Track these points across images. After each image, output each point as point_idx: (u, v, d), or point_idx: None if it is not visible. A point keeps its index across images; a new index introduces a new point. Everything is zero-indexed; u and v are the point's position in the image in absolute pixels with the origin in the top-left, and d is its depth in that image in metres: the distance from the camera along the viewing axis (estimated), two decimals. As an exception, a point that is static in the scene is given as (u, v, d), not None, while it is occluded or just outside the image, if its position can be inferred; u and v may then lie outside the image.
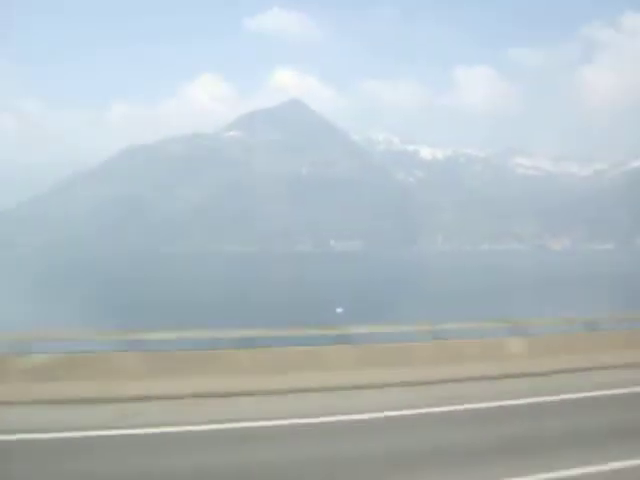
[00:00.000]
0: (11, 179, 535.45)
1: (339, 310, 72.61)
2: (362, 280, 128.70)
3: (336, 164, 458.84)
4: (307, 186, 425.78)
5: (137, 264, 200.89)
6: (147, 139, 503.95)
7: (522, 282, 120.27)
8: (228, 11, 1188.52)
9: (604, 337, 15.53)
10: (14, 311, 61.04)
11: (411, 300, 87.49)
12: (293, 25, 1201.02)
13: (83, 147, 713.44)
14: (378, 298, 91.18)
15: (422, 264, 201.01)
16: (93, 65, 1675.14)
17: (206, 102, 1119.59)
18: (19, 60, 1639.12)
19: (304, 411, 10.89)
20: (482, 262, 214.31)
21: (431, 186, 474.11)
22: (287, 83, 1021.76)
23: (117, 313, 62.43)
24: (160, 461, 8.75)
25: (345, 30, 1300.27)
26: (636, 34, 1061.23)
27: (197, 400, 11.50)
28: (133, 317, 55.24)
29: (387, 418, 10.67)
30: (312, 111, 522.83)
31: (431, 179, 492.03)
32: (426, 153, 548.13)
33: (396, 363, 13.42)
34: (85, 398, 11.24)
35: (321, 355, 13.46)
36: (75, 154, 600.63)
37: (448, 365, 13.57)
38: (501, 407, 11.44)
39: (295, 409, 11.04)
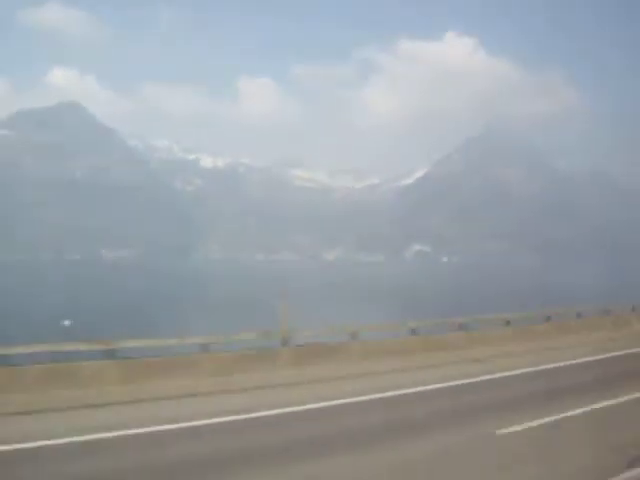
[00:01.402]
0: None
1: (66, 323, 69.98)
2: (118, 291, 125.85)
3: (112, 170, 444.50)
4: (80, 192, 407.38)
5: None
6: None
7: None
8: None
9: None
10: None
11: (167, 310, 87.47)
12: (73, 23, 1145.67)
13: None
14: (126, 310, 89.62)
15: (189, 274, 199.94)
16: None
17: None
18: None
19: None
20: (244, 271, 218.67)
21: (210, 195, 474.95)
22: (65, 83, 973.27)
23: None
24: None
25: (129, 32, 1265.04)
26: (410, 59, 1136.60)
27: None
28: None
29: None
30: (90, 114, 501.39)
31: (210, 188, 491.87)
32: (207, 162, 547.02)
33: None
34: None
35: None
36: None
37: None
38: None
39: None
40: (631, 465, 5.84)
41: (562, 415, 12.53)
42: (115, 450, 10.31)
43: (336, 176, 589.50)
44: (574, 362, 18.61)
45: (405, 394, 14.47)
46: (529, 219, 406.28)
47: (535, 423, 11.95)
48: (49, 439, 10.33)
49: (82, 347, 14.16)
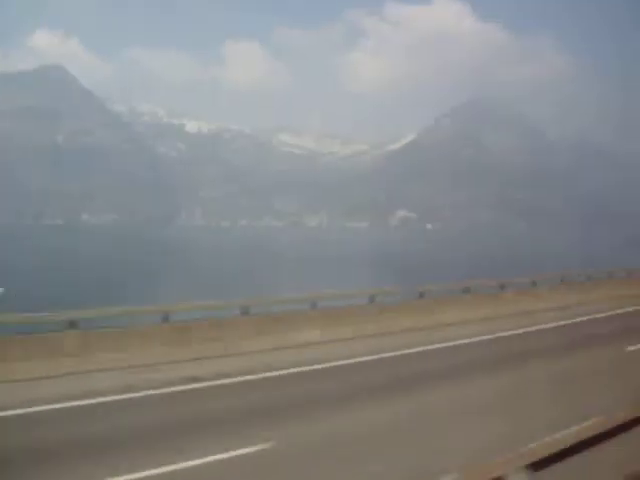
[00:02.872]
0: None
1: None
2: (80, 257, 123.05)
3: (95, 134, 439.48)
4: (62, 156, 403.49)
5: None
6: None
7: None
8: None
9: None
10: None
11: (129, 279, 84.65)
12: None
13: None
14: (76, 276, 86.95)
15: (167, 240, 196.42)
16: None
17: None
18: None
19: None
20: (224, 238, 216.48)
21: (194, 161, 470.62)
22: (49, 48, 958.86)
23: None
24: None
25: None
26: (398, 24, 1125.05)
27: None
28: None
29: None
30: (73, 78, 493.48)
31: (194, 153, 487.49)
32: (192, 127, 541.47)
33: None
34: None
35: None
36: None
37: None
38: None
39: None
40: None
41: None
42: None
43: (323, 142, 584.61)
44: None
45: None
46: (517, 187, 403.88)
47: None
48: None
49: None
